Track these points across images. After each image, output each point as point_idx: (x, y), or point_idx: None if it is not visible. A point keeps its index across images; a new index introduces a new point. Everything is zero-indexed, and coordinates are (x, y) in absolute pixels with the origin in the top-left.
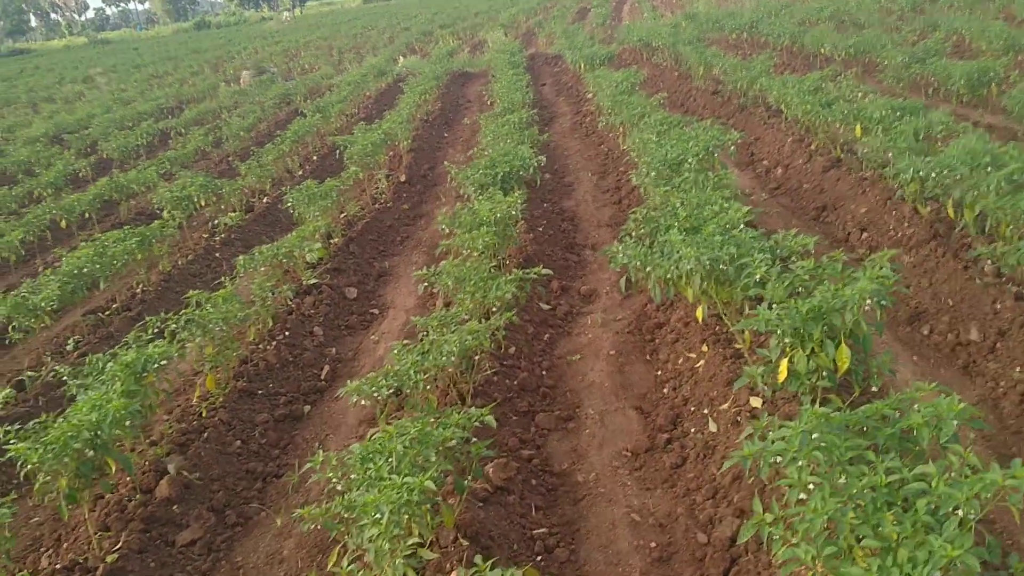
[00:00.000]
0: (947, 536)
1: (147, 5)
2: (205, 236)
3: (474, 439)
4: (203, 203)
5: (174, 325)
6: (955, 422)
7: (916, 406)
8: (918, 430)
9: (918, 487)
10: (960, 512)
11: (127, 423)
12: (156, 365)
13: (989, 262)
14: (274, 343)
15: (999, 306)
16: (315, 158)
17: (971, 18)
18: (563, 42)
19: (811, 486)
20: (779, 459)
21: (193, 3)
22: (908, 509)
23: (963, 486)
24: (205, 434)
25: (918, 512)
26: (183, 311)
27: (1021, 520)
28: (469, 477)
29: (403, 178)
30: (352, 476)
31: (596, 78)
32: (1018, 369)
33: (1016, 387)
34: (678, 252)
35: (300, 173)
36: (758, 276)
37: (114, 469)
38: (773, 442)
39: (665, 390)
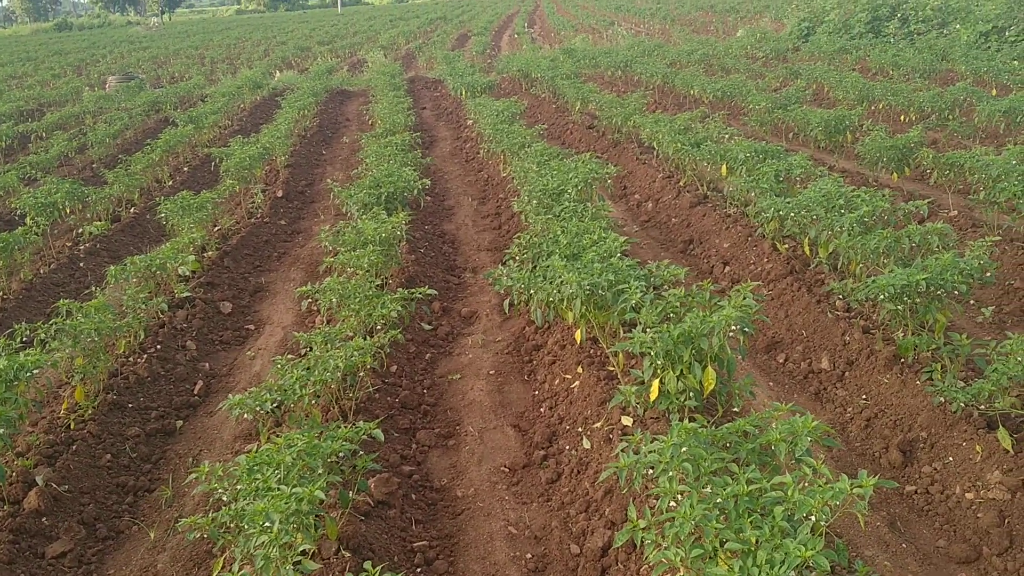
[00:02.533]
0: (801, 539)
1: (5, 2)
2: (69, 245)
3: (361, 452)
4: (68, 211)
5: (43, 334)
6: (809, 438)
7: (774, 424)
8: (776, 445)
9: (775, 496)
10: (813, 518)
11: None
12: (28, 374)
13: (840, 297)
14: (145, 356)
15: (848, 338)
16: (186, 169)
17: (829, 69)
18: (444, 68)
19: (680, 495)
20: (651, 471)
21: (55, 2)
22: (767, 515)
23: (815, 494)
24: (74, 447)
25: (775, 518)
26: (53, 320)
27: (865, 527)
28: (354, 490)
29: (280, 193)
30: (239, 487)
31: (477, 106)
32: (863, 397)
33: (862, 413)
34: (560, 277)
35: (170, 184)
36: (634, 301)
37: None
38: (647, 454)
39: (542, 409)
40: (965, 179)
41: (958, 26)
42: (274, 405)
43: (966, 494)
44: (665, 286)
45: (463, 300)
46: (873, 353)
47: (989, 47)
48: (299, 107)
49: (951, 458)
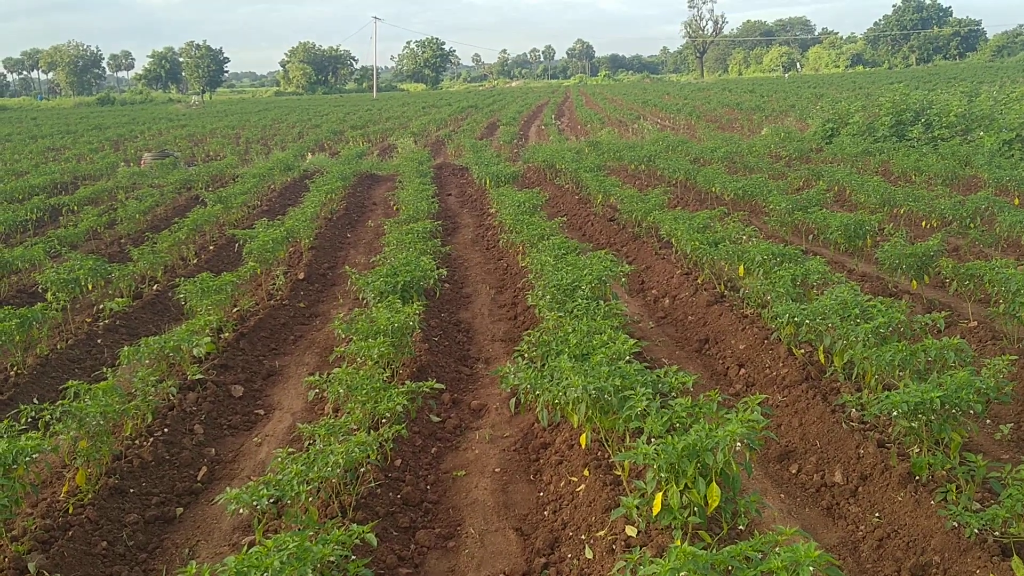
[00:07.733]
0: None
1: (51, 75)
2: (88, 321)
3: (353, 556)
4: (90, 286)
5: (49, 416)
6: (811, 568)
7: (777, 549)
8: (777, 574)
9: None
10: None
11: None
12: (27, 458)
13: (855, 409)
14: (151, 439)
15: (862, 451)
16: (212, 248)
17: (852, 171)
18: (471, 156)
19: None
20: None
21: (99, 78)
22: None
23: None
24: (70, 532)
25: None
26: (60, 401)
27: None
28: None
29: (301, 276)
30: None
31: (500, 195)
32: (877, 515)
33: (874, 532)
34: (566, 379)
35: (195, 262)
36: (639, 409)
37: None
38: None
39: (546, 512)
40: (985, 289)
41: (982, 133)
42: (271, 501)
43: None
44: (673, 393)
45: (474, 392)
46: (888, 469)
47: (1012, 155)
48: (326, 190)
49: None
